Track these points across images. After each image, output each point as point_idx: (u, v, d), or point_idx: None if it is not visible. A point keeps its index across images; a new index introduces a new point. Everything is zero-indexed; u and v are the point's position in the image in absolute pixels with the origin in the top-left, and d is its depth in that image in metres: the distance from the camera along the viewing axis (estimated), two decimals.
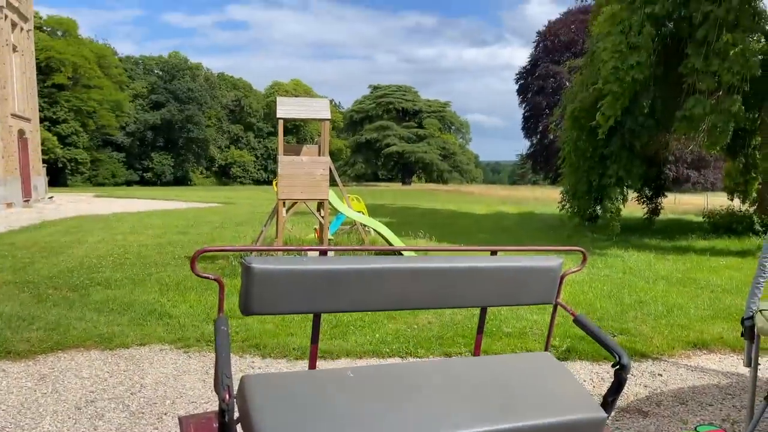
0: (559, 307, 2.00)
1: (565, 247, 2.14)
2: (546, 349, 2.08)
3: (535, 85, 47.11)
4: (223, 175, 65.90)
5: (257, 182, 65.10)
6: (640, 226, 15.67)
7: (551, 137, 46.90)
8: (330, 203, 8.54)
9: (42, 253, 9.53)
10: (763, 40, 11.48)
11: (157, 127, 58.31)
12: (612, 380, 1.73)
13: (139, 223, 15.35)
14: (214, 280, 1.74)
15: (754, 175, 13.38)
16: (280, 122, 7.83)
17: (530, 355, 1.97)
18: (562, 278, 1.92)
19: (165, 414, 3.51)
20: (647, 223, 15.58)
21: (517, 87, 49.36)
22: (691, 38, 11.00)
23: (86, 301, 6.17)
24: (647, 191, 16.39)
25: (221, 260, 8.46)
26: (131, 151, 57.93)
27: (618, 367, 1.68)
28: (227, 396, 1.24)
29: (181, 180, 60.26)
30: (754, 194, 13.60)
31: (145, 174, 58.81)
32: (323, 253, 1.92)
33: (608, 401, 1.70)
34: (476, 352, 2.06)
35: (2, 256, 9.14)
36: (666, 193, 17.04)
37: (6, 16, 20.05)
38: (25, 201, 21.06)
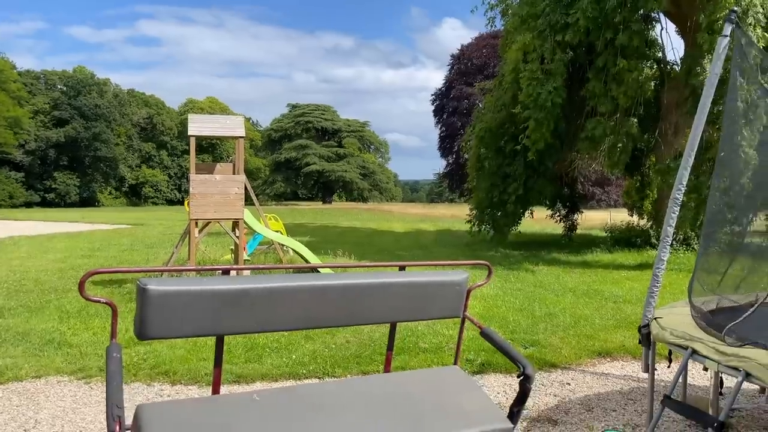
0: (468, 320, 2.04)
1: (471, 261, 2.19)
2: (455, 363, 2.11)
3: (450, 107, 48.53)
4: (134, 196, 63.04)
5: (171, 202, 62.71)
6: (550, 241, 16.39)
7: (465, 156, 48.39)
8: (246, 223, 8.36)
9: None
10: (654, 66, 12.45)
11: (60, 144, 55.02)
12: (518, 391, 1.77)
13: (39, 246, 14.35)
14: (106, 304, 1.64)
15: (648, 193, 14.39)
16: (192, 140, 7.60)
17: (439, 369, 1.98)
18: (468, 292, 1.96)
19: None
20: (566, 240, 16.24)
21: (433, 108, 50.64)
22: (591, 64, 11.76)
23: None
24: (561, 209, 17.20)
25: (129, 284, 8.05)
26: (31, 170, 54.28)
27: (522, 377, 1.72)
28: (117, 427, 1.16)
29: (88, 201, 57.04)
30: (649, 210, 14.61)
31: (47, 195, 55.21)
32: (225, 272, 1.86)
33: (514, 412, 1.74)
34: (386, 369, 2.05)
35: None
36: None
37: None
38: None
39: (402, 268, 1.96)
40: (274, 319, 1.64)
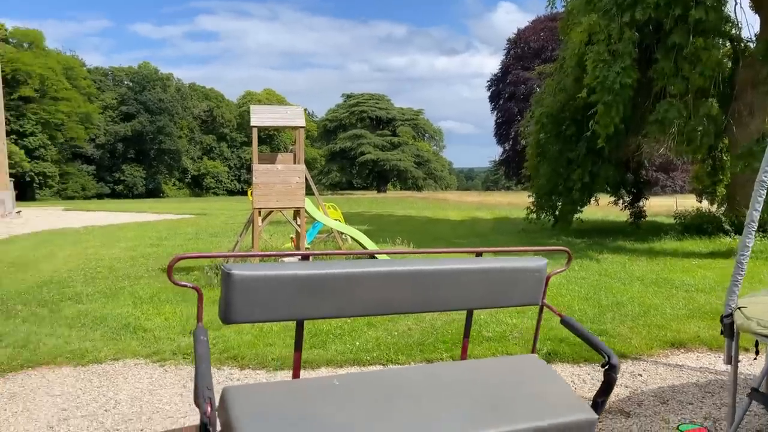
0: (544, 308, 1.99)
1: (549, 247, 2.12)
2: (533, 352, 2.07)
3: (506, 92, 47.66)
4: (196, 186, 65.11)
5: (231, 192, 64.48)
6: (614, 228, 15.89)
7: (523, 143, 47.46)
8: (306, 211, 8.47)
9: (10, 268, 9.25)
10: (728, 44, 11.80)
11: (127, 138, 57.43)
12: (601, 381, 1.71)
13: (111, 236, 15.04)
14: (193, 288, 1.68)
15: (721, 177, 13.69)
16: (254, 130, 7.75)
17: (517, 357, 1.94)
18: (547, 279, 1.91)
19: (141, 430, 3.41)
20: (633, 227, 15.68)
21: (488, 94, 49.86)
22: (659, 43, 11.23)
23: (57, 316, 5.99)
24: (625, 195, 16.59)
25: (196, 272, 8.32)
26: (101, 163, 56.92)
27: (607, 367, 1.67)
28: (209, 408, 1.18)
29: (153, 192, 59.34)
30: (722, 195, 13.92)
31: (116, 186, 57.78)
32: (305, 258, 1.87)
33: (598, 402, 1.68)
34: (463, 356, 2.03)
35: None
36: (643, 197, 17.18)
37: None
38: None
39: (479, 254, 1.93)
40: (352, 305, 1.65)
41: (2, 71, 25.64)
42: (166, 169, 61.68)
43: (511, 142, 49.14)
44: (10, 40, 48.60)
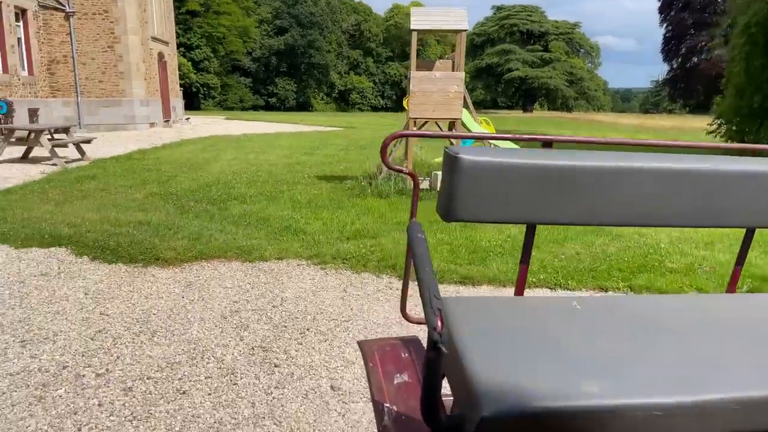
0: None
1: None
2: None
3: (680, 0, 42.16)
4: (342, 101, 66.49)
5: (374, 108, 65.08)
6: None
7: (695, 60, 42.05)
8: (463, 123, 8.06)
9: (183, 168, 9.97)
10: None
11: (280, 52, 59.45)
12: None
13: (268, 144, 15.74)
14: (408, 174, 1.41)
15: None
16: (414, 35, 7.33)
17: None
18: None
19: (307, 329, 3.40)
20: None
21: (658, 4, 44.43)
22: None
23: (225, 214, 6.29)
24: None
25: (350, 180, 8.35)
26: (257, 76, 59.79)
27: None
28: (439, 323, 0.89)
29: (303, 105, 61.62)
30: None
31: (269, 99, 60.73)
32: (546, 145, 1.51)
33: None
34: (730, 289, 1.60)
35: (149, 169, 9.67)
36: None
37: None
38: (165, 121, 22.40)
39: None
40: (602, 209, 1.28)
41: None
42: (315, 83, 63.44)
43: (680, 59, 43.96)
44: None
